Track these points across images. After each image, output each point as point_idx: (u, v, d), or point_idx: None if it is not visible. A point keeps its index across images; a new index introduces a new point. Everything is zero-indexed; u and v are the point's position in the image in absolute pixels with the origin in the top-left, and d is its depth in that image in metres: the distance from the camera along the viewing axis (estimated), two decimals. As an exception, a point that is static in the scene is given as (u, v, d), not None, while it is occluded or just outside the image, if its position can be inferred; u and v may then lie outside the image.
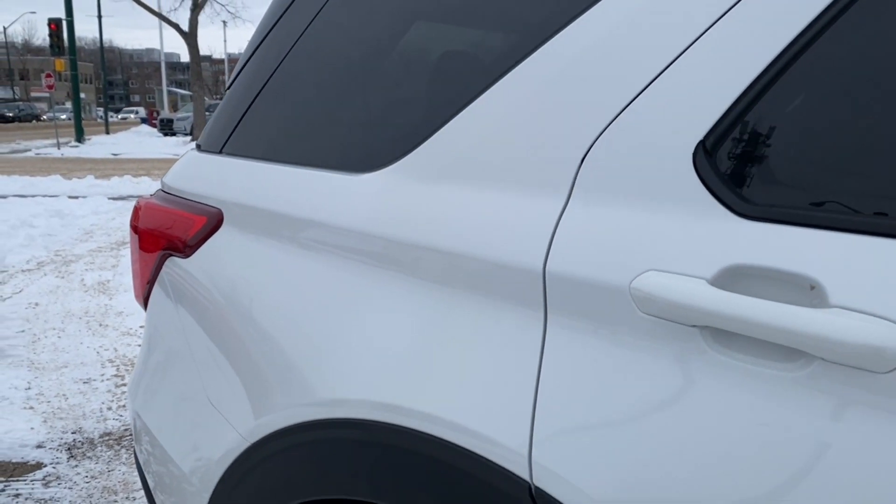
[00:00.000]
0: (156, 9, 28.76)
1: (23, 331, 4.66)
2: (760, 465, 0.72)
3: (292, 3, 1.38)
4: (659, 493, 0.77)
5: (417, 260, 1.01)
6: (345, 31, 1.27)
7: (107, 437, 3.27)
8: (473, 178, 0.99)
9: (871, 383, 0.67)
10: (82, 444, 3.21)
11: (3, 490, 2.81)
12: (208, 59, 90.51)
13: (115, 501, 2.76)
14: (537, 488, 0.84)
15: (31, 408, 3.54)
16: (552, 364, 0.86)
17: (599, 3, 0.92)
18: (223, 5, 31.65)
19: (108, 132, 36.25)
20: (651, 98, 0.85)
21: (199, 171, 1.47)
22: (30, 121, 54.63)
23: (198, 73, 27.68)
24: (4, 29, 65.86)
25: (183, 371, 1.40)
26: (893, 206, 0.69)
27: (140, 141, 29.59)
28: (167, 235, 1.44)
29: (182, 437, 1.38)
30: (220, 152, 1.45)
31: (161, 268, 1.47)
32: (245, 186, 1.33)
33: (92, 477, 2.93)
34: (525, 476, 0.85)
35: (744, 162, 0.79)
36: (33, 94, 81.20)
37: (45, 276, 6.15)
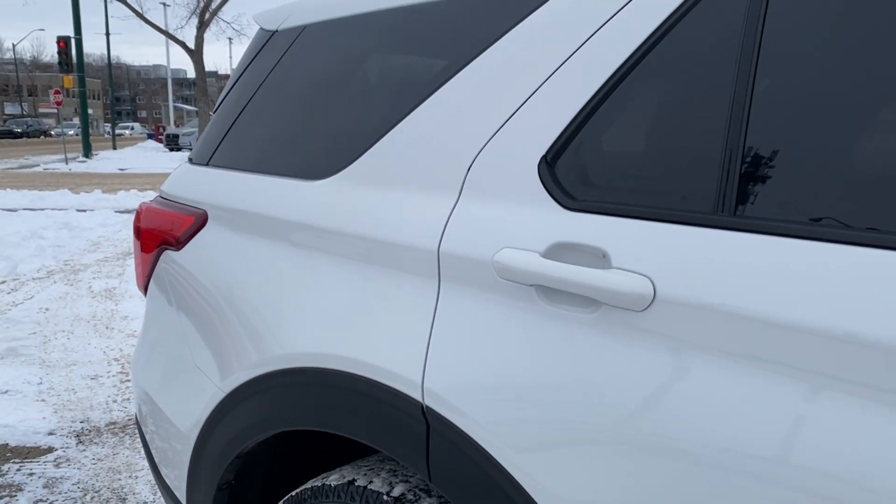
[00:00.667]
0: (162, 27, 29.32)
1: (34, 333, 4.99)
2: (573, 375, 1.03)
3: (262, 48, 1.71)
4: (508, 402, 1.08)
5: (350, 245, 1.33)
6: (301, 71, 1.60)
7: (112, 426, 3.58)
8: (393, 183, 1.31)
9: (635, 318, 0.98)
10: (90, 431, 3.52)
11: (18, 470, 3.12)
12: (214, 75, 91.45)
13: (119, 479, 3.06)
14: (427, 406, 1.16)
15: (43, 400, 3.85)
16: (442, 317, 1.18)
17: (477, 58, 1.24)
18: (228, 23, 32.27)
19: (115, 147, 36.76)
20: (511, 127, 1.17)
21: (190, 180, 1.80)
22: (38, 136, 55.28)
23: (203, 89, 28.17)
24: (14, 46, 66.77)
25: (174, 343, 1.71)
26: (654, 200, 1.01)
27: (146, 156, 30.05)
28: (163, 233, 1.77)
29: (174, 396, 1.69)
30: (208, 164, 1.78)
31: (158, 260, 1.79)
32: (226, 192, 1.65)
33: (98, 459, 3.24)
34: (419, 398, 1.16)
35: (569, 171, 1.11)
36: (42, 110, 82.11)
37: (55, 283, 6.49)
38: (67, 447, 3.34)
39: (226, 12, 27.10)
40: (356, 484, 1.34)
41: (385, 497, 1.29)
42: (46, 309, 5.62)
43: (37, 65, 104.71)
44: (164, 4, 34.53)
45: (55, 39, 25.84)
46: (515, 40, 1.21)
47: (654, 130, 1.05)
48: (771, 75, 0.94)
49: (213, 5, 27.80)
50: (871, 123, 0.89)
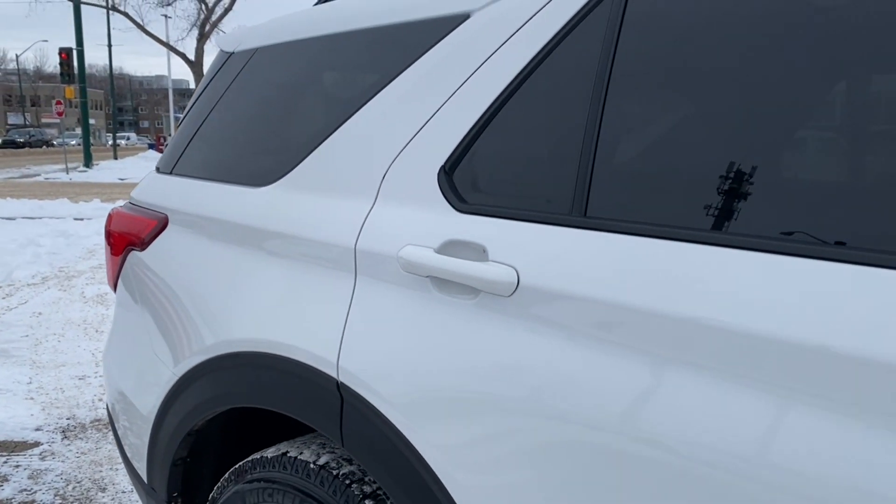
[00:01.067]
0: (163, 38, 29.65)
1: (26, 335, 5.16)
2: (458, 350, 1.20)
3: (221, 68, 1.90)
4: (407, 376, 1.25)
5: (285, 244, 1.51)
6: (251, 89, 1.78)
7: (97, 423, 3.75)
8: (322, 190, 1.49)
9: (504, 303, 1.16)
10: (75, 427, 3.69)
11: (5, 462, 3.29)
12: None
13: (101, 471, 3.23)
14: (341, 382, 1.33)
15: (32, 398, 4.03)
16: (356, 306, 1.36)
17: (388, 85, 1.43)
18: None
19: (116, 157, 37.02)
20: (416, 143, 1.35)
21: (155, 187, 1.98)
22: (40, 146, 55.59)
23: (203, 100, 28.39)
24: (17, 56, 67.29)
25: (138, 334, 1.89)
26: (523, 204, 1.19)
27: (147, 166, 30.26)
28: (130, 235, 1.95)
29: (137, 381, 1.87)
30: (171, 173, 1.96)
31: (125, 259, 1.97)
32: (185, 197, 1.83)
33: (82, 453, 3.41)
34: (335, 376, 1.34)
35: (462, 179, 1.29)
36: (44, 120, 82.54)
37: (49, 289, 6.67)
38: (53, 442, 3.51)
39: (226, 24, 27.33)
40: (288, 455, 1.51)
41: (312, 465, 1.46)
42: (39, 313, 5.80)
43: (40, 75, 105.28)
44: (166, 17, 34.85)
45: (58, 51, 26.13)
46: (417, 71, 1.40)
47: (524, 147, 1.23)
48: (615, 109, 1.13)
49: (213, 18, 28.14)
50: (697, 139, 1.07)
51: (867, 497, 0.82)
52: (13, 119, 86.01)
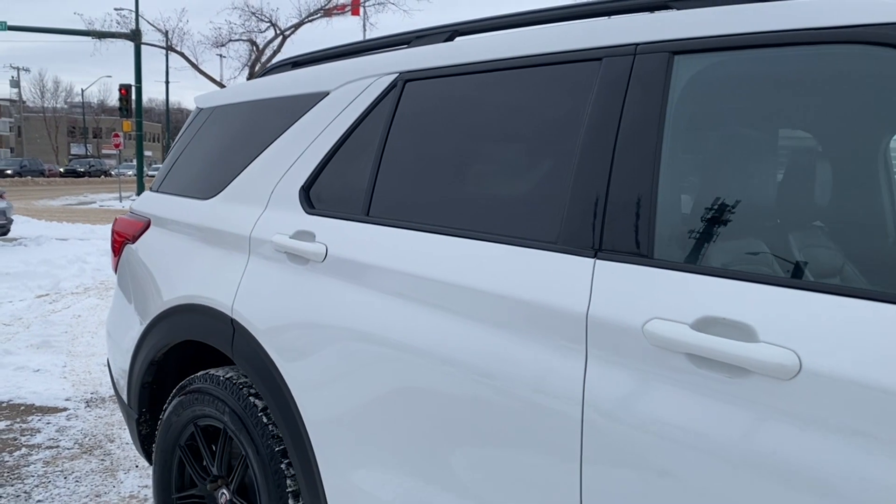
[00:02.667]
0: (216, 77, 31.38)
1: (66, 332, 6.10)
2: (296, 297, 2.00)
3: (194, 119, 2.76)
4: (269, 312, 2.04)
5: (214, 235, 2.33)
6: (208, 135, 2.64)
7: (114, 398, 4.60)
8: (238, 200, 2.32)
9: (317, 266, 1.95)
10: (96, 400, 4.55)
11: (39, 420, 4.15)
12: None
13: (112, 429, 4.07)
14: (233, 318, 2.14)
15: (65, 378, 4.91)
16: (247, 272, 2.16)
17: (279, 137, 2.26)
18: (278, 74, 34.12)
19: (167, 188, 38.77)
20: (290, 173, 2.17)
21: (146, 200, 2.84)
22: (99, 176, 58.16)
23: (250, 135, 29.85)
24: (83, 91, 70.86)
25: (126, 301, 2.73)
26: (337, 208, 1.99)
27: (195, 196, 31.74)
28: (126, 233, 2.80)
29: (123, 333, 2.70)
30: (157, 191, 2.82)
31: (122, 250, 2.82)
32: (161, 207, 2.67)
33: (99, 417, 4.25)
34: (229, 314, 2.14)
35: (313, 195, 2.09)
36: (104, 151, 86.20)
37: (89, 297, 7.65)
38: (77, 409, 4.37)
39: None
40: (210, 373, 2.31)
41: (221, 378, 2.26)
42: (79, 315, 6.75)
43: (103, 108, 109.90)
44: (221, 56, 36.79)
45: (118, 87, 27.92)
46: (297, 127, 2.23)
47: (343, 177, 2.04)
48: (389, 155, 1.93)
49: (263, 58, 29.75)
50: (427, 175, 1.86)
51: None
52: (76, 149, 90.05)
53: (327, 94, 2.20)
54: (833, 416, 1.13)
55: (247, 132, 2.50)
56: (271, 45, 29.65)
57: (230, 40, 32.03)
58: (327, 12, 28.99)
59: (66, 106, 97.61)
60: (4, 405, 4.39)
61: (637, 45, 1.54)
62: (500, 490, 1.54)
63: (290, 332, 1.99)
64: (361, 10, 28.64)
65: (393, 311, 1.76)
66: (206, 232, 2.39)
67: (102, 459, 3.65)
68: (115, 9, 29.97)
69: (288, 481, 2.03)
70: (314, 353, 1.92)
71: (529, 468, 1.49)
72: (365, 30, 33.31)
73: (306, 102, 2.26)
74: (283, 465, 2.04)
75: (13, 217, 12.53)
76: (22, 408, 4.36)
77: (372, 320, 1.80)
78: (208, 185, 2.51)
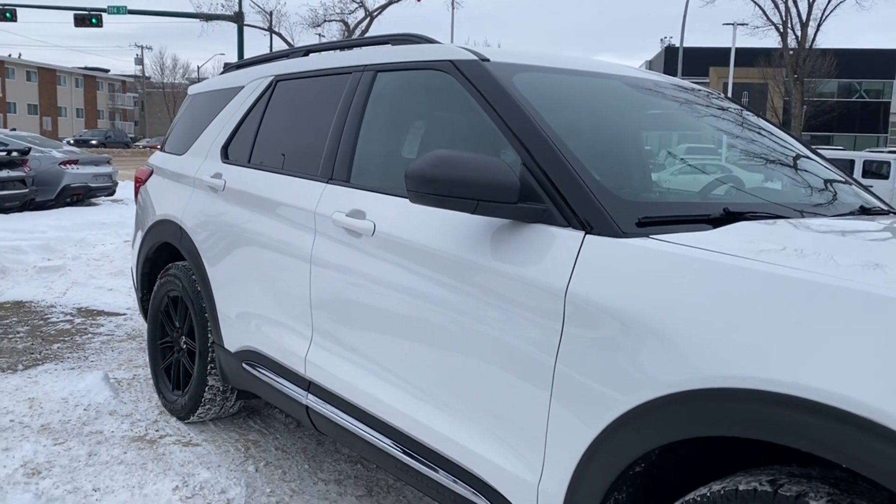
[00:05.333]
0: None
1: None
2: (209, 209, 3.34)
3: (185, 105, 4.15)
4: (197, 219, 3.40)
5: (179, 178, 3.71)
6: (191, 114, 4.02)
7: (161, 309, 6.15)
8: (194, 155, 3.69)
9: (222, 194, 3.29)
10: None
11: (105, 318, 5.72)
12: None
13: (153, 327, 5.59)
14: (181, 226, 3.51)
15: (129, 295, 6.51)
16: (190, 199, 3.53)
17: (218, 114, 3.61)
18: (370, 53, 35.84)
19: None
20: (219, 137, 3.52)
21: (155, 157, 4.26)
22: (118, 147, 61.69)
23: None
24: (198, 67, 75.44)
25: (137, 222, 4.17)
26: (239, 157, 3.31)
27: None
28: (141, 177, 4.23)
29: (134, 239, 4.14)
30: (162, 150, 4.23)
31: (139, 188, 4.26)
32: (159, 160, 4.09)
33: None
34: (180, 224, 3.52)
35: (230, 151, 3.43)
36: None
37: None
38: (133, 315, 5.93)
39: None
40: (175, 263, 3.70)
41: (180, 265, 3.64)
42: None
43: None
44: (320, 35, 38.82)
45: (223, 65, 30.30)
46: (231, 107, 3.56)
47: (242, 139, 3.36)
48: (266, 126, 3.23)
49: (354, 38, 31.48)
50: (293, 140, 3.15)
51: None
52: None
53: (242, 87, 3.52)
54: (391, 254, 2.35)
55: (205, 111, 3.85)
56: (360, 26, 31.29)
57: (324, 21, 33.96)
58: (413, -7, 30.29)
59: (184, 81, 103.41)
60: (83, 309, 6.01)
61: (364, 66, 2.78)
62: (279, 304, 2.84)
63: (206, 230, 3.34)
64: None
65: (253, 216, 3.07)
66: (176, 175, 3.77)
67: (141, 343, 5.15)
68: (221, -8, 32.37)
69: (206, 313, 3.38)
70: (215, 242, 3.27)
71: (293, 297, 2.77)
72: (453, 8, 34.41)
73: (232, 93, 3.59)
74: (203, 309, 3.40)
75: (118, 181, 14.61)
76: (95, 312, 5.97)
77: (243, 222, 3.12)
78: (182, 146, 3.89)
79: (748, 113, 2.94)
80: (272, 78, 3.32)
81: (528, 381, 1.87)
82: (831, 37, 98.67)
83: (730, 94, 37.47)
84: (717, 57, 46.86)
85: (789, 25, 34.66)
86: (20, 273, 7.19)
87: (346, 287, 2.52)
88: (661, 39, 77.30)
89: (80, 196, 13.38)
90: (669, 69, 39.91)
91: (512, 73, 2.32)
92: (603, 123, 2.39)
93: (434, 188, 1.92)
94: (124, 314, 5.93)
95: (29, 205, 11.92)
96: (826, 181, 2.53)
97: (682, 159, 2.43)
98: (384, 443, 2.35)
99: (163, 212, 3.74)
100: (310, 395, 2.70)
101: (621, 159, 2.29)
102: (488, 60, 2.38)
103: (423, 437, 2.20)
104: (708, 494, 1.52)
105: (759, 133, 2.72)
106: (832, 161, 2.73)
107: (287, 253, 2.81)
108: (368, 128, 2.68)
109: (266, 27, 33.85)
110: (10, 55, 68.74)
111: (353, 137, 2.68)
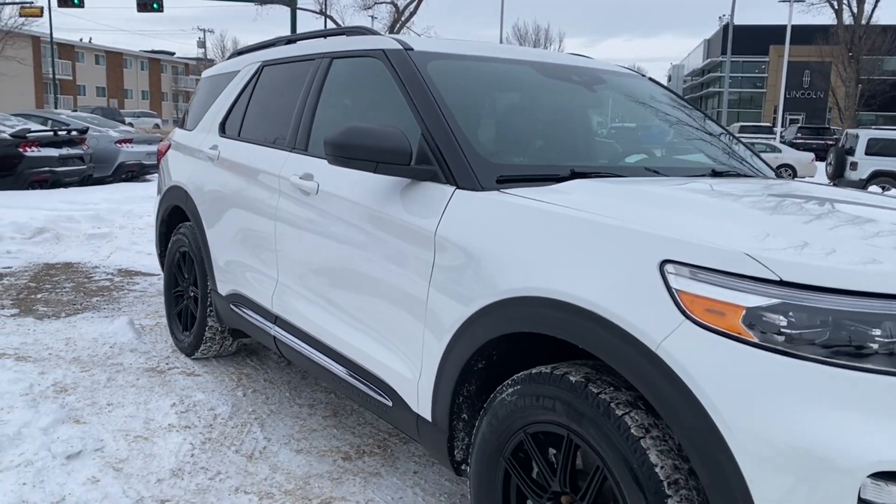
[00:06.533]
0: (360, 38, 34.09)
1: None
2: (205, 175, 3.95)
3: (198, 86, 4.78)
4: (195, 183, 4.02)
5: (190, 150, 4.33)
6: (201, 96, 4.64)
7: (191, 271, 6.85)
8: (201, 130, 4.30)
9: (216, 162, 3.89)
10: (180, 271, 6.82)
11: (141, 279, 6.44)
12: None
13: (181, 286, 6.28)
14: (185, 190, 4.13)
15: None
16: (192, 167, 4.15)
17: (220, 94, 4.21)
18: (419, 35, 36.39)
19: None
20: (218, 115, 4.12)
21: (174, 133, 4.90)
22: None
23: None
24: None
25: (157, 188, 4.82)
26: (233, 132, 3.91)
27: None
28: (162, 150, 4.88)
29: (154, 207, 4.79)
30: (181, 128, 4.87)
31: (160, 159, 4.91)
32: (177, 136, 4.72)
33: (177, 280, 6.50)
34: (184, 188, 4.14)
35: (225, 126, 4.03)
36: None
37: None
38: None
39: (417, 25, 31.12)
40: (184, 224, 4.33)
41: (188, 224, 4.27)
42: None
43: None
44: (372, 17, 39.49)
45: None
46: (229, 89, 4.16)
47: (234, 118, 3.95)
48: (253, 105, 3.82)
49: (402, 19, 32.03)
50: (272, 118, 3.74)
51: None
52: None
53: (238, 72, 4.11)
54: (329, 208, 2.90)
55: (211, 92, 4.46)
56: (408, 9, 31.81)
57: (375, 3, 34.57)
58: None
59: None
60: (123, 270, 6.76)
61: (324, 54, 3.32)
62: (255, 253, 3.43)
63: (204, 194, 3.95)
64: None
65: (238, 181, 3.66)
66: (186, 148, 4.39)
67: (168, 298, 5.84)
68: (275, -24, 33.22)
69: (205, 264, 3.99)
70: (211, 203, 3.88)
71: (264, 247, 3.35)
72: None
73: (231, 76, 4.17)
74: (203, 261, 4.01)
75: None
76: (133, 272, 6.70)
77: (232, 186, 3.71)
78: (192, 123, 4.50)
79: (666, 94, 3.40)
80: (260, 63, 3.89)
81: (412, 301, 2.40)
82: (890, 13, 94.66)
83: (784, 74, 36.66)
84: (778, 35, 45.81)
85: (844, 1, 33.74)
86: (73, 239, 8.01)
87: (298, 236, 3.08)
88: (720, 17, 75.53)
89: (134, 172, 14.33)
90: (727, 48, 39.18)
91: (428, 61, 2.82)
92: (493, 102, 2.89)
93: (344, 153, 2.46)
94: (158, 275, 6.63)
95: (87, 180, 12.88)
96: (707, 151, 2.99)
97: (567, 131, 2.90)
98: (322, 358, 2.92)
99: (175, 179, 4.37)
100: (275, 327, 3.29)
101: (500, 131, 2.79)
102: (412, 49, 2.89)
103: (347, 351, 2.76)
104: (515, 378, 2.05)
105: (656, 111, 3.18)
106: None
107: (260, 211, 3.38)
108: (323, 105, 3.23)
109: (318, 10, 34.66)
110: (80, 39, 71.51)
111: (311, 113, 3.23)
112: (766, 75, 67.81)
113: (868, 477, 1.46)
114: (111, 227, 8.78)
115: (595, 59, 3.60)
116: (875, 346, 1.52)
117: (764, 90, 69.33)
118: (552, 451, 1.99)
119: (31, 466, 2.91)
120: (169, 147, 4.78)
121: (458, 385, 2.24)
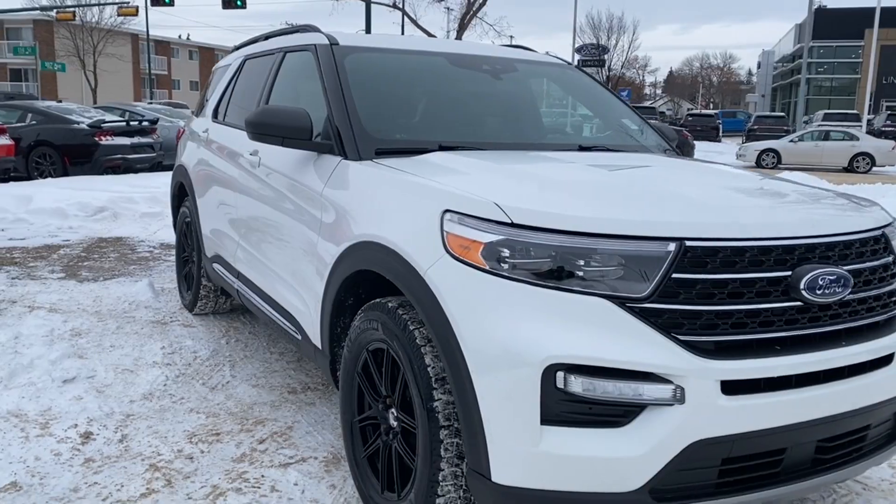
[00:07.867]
0: (431, 32, 34.70)
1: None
2: (198, 155, 4.59)
3: (213, 75, 5.45)
4: (191, 161, 4.67)
5: (196, 135, 4.99)
6: (214, 85, 5.29)
7: (224, 246, 7.60)
8: (205, 116, 4.95)
9: (205, 143, 4.53)
10: (213, 246, 7.58)
11: (163, 250, 7.22)
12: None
13: (210, 258, 7.03)
14: (185, 168, 4.79)
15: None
16: (195, 148, 4.80)
17: (231, 81, 4.85)
18: (491, 25, 36.76)
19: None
20: (214, 102, 4.76)
21: (189, 121, 5.58)
22: None
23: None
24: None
25: (177, 154, 5.52)
26: (223, 118, 4.54)
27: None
28: (180, 133, 5.57)
29: (170, 179, 5.50)
30: (198, 116, 5.55)
31: (179, 139, 5.60)
32: (187, 122, 5.40)
33: (209, 253, 7.25)
34: (185, 166, 4.80)
35: (218, 113, 4.66)
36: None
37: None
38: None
39: (489, 15, 31.53)
40: (186, 200, 5.00)
41: (188, 201, 4.93)
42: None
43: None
44: (448, 9, 40.04)
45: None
46: (223, 80, 4.79)
47: (222, 104, 4.57)
48: (234, 95, 4.43)
49: (472, 10, 32.47)
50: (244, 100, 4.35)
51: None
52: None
53: (230, 65, 4.73)
54: (266, 177, 3.47)
55: (215, 84, 5.10)
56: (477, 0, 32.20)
57: (447, -5, 35.08)
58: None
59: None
60: (165, 244, 7.56)
61: (279, 48, 3.89)
62: (226, 220, 4.04)
63: (195, 168, 4.60)
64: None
65: (217, 158, 4.28)
66: (192, 132, 5.05)
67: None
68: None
69: (196, 235, 4.65)
70: (201, 179, 4.52)
71: (231, 214, 3.96)
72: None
73: (226, 69, 4.80)
74: (196, 225, 4.66)
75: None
76: (172, 245, 7.48)
77: (212, 163, 4.33)
78: (198, 111, 5.16)
79: (586, 83, 3.82)
80: (244, 57, 4.50)
81: (308, 251, 2.95)
82: None
83: (873, 59, 35.15)
84: (872, 18, 43.84)
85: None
86: (128, 217, 8.92)
87: (247, 202, 3.67)
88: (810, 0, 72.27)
89: (202, 160, 15.39)
90: (819, 32, 37.76)
91: (346, 54, 3.34)
92: (393, 88, 3.38)
93: (259, 129, 3.02)
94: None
95: (157, 167, 13.98)
96: (587, 131, 3.40)
97: (450, 112, 3.37)
98: (261, 303, 3.50)
99: (181, 160, 5.05)
100: (238, 281, 3.89)
101: (390, 112, 3.28)
102: (337, 44, 3.41)
103: (274, 294, 3.34)
104: (363, 308, 2.57)
105: (560, 96, 3.61)
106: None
107: (227, 183, 3.99)
108: (276, 92, 3.79)
109: (391, 3, 35.47)
110: (178, 36, 75.07)
111: (267, 99, 3.81)
112: (860, 60, 64.80)
113: (560, 371, 1.91)
114: (165, 207, 9.66)
115: (532, 52, 4.04)
116: (577, 272, 1.96)
117: (859, 76, 66.22)
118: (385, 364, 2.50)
119: (32, 386, 3.61)
120: (183, 131, 5.47)
121: (333, 318, 2.76)
